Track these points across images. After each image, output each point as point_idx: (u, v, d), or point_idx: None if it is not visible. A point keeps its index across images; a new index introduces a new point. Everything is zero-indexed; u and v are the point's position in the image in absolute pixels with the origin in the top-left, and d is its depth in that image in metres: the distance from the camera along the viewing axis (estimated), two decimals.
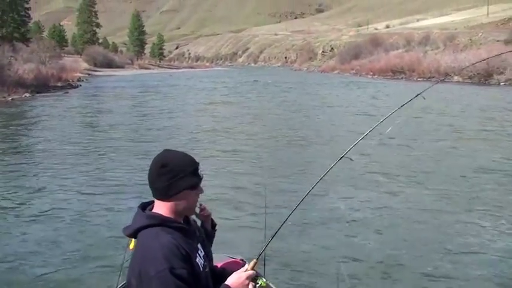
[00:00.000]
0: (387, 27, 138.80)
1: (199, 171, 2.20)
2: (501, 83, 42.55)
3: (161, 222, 2.10)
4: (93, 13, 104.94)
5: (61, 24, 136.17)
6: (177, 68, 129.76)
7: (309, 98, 32.21)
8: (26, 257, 6.39)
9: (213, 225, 2.73)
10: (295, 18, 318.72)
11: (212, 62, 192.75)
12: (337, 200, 8.64)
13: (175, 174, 2.11)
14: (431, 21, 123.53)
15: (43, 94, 35.42)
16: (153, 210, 2.17)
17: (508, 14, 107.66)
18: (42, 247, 6.74)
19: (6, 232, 7.35)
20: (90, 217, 7.97)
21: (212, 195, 8.42)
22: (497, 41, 58.42)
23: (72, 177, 10.69)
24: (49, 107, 26.38)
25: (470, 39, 63.68)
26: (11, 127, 19.19)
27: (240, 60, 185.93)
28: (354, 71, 67.32)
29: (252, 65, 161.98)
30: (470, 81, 44.85)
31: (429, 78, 49.26)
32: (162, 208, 2.15)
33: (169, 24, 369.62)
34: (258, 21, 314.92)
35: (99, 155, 13.38)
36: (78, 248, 6.69)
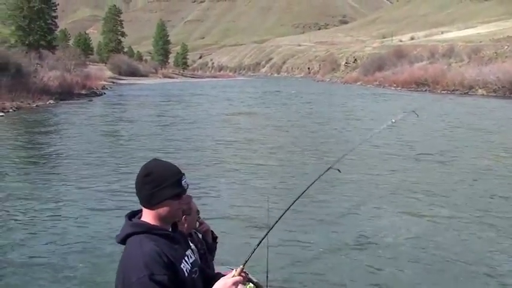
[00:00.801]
0: (412, 39, 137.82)
1: (183, 181, 2.23)
2: None
3: (146, 229, 2.17)
4: (119, 22, 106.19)
5: (87, 32, 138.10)
6: (201, 77, 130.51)
7: (331, 109, 32.12)
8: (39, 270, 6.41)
9: (214, 237, 2.83)
10: (319, 29, 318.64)
11: (235, 71, 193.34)
12: (364, 221, 8.60)
13: (158, 183, 2.16)
14: (456, 34, 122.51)
15: (67, 101, 35.85)
16: (141, 218, 2.23)
17: None
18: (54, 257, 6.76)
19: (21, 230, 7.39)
20: (106, 225, 7.99)
21: (219, 205, 8.40)
22: None
23: (91, 187, 10.74)
24: (72, 115, 26.68)
25: (496, 52, 62.87)
26: (32, 134, 19.45)
27: (263, 70, 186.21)
28: (377, 83, 66.95)
29: (275, 75, 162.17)
30: (495, 95, 44.28)
31: (453, 91, 48.81)
32: (148, 216, 2.21)
33: (194, 34, 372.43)
34: (281, 32, 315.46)
35: (118, 164, 13.38)
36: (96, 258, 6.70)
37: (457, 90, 48.82)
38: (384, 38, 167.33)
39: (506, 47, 67.25)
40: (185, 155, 14.53)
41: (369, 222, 8.44)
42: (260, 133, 19.94)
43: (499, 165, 13.32)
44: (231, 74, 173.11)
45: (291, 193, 9.88)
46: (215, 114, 27.52)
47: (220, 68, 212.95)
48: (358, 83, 74.04)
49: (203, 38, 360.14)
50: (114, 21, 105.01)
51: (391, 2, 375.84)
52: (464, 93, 46.98)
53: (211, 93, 50.55)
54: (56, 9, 56.29)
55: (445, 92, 49.35)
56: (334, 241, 7.47)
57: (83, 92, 44.21)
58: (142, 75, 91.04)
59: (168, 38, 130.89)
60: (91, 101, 38.19)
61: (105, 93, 47.41)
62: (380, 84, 64.83)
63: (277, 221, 2.37)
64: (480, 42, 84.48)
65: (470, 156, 14.61)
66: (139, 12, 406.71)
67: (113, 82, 68.04)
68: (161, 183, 2.16)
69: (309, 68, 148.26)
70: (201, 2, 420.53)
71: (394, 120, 2.86)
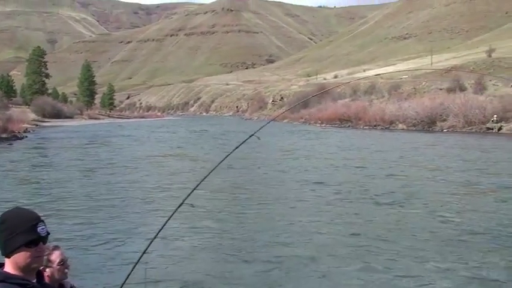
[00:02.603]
0: (335, 77, 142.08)
1: (39, 228, 2.15)
2: (444, 130, 43.87)
3: (2, 278, 2.10)
4: (43, 63, 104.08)
5: (9, 74, 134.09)
6: (128, 117, 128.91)
7: (254, 148, 32.36)
8: None
9: None
10: (246, 68, 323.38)
11: (164, 111, 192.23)
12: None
13: (12, 231, 2.10)
14: (376, 71, 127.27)
15: None
16: (4, 268, 2.16)
17: (451, 63, 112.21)
18: None
19: None
20: None
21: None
22: (440, 89, 60.55)
23: None
24: None
25: (414, 88, 65.78)
26: None
27: (192, 109, 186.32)
28: (303, 120, 68.27)
29: (204, 114, 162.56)
30: (414, 129, 46.11)
31: (375, 126, 50.45)
32: (8, 265, 2.15)
33: (121, 74, 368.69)
34: (209, 71, 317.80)
35: None
36: None
37: (378, 125, 50.49)
38: (309, 76, 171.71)
39: (424, 83, 70.52)
40: (101, 204, 14.14)
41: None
42: (178, 175, 19.74)
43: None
44: (159, 114, 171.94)
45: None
46: (138, 157, 26.69)
47: (149, 108, 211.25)
48: (285, 121, 75.20)
49: (130, 78, 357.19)
50: (38, 63, 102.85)
51: (315, 42, 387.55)
52: (386, 128, 48.65)
53: (138, 134, 49.87)
54: None
55: (368, 127, 50.91)
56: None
57: (4, 135, 42.53)
58: (67, 117, 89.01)
59: (94, 79, 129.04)
60: (11, 144, 36.77)
61: (26, 137, 45.80)
62: (306, 121, 66.16)
63: (146, 248, 2.37)
64: (400, 78, 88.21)
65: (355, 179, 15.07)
66: (65, 53, 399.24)
67: (36, 125, 66.01)
68: (14, 230, 2.10)
69: (237, 107, 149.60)
70: (128, 42, 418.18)
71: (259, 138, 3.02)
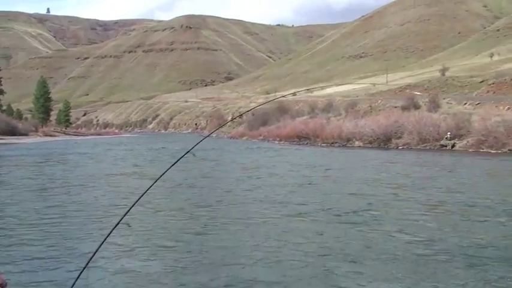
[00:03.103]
0: (294, 94, 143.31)
1: None
2: (399, 147, 44.61)
3: None
4: None
5: None
6: (84, 135, 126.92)
7: (210, 165, 32.22)
8: None
9: None
10: (205, 85, 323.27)
11: (121, 128, 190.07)
12: None
13: None
14: (334, 89, 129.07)
15: None
16: None
17: (406, 81, 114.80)
18: None
19: None
20: None
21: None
22: (395, 107, 61.65)
23: None
24: None
25: (370, 106, 66.81)
26: None
27: (150, 126, 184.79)
28: (261, 137, 68.48)
29: (162, 131, 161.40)
30: (370, 146, 46.76)
31: (332, 143, 50.98)
32: None
33: (77, 90, 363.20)
34: (168, 88, 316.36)
35: None
36: None
37: (336, 142, 51.03)
38: (268, 93, 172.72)
39: (379, 101, 71.73)
40: (46, 222, 13.74)
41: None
42: (137, 195, 19.30)
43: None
44: (116, 131, 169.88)
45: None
46: (92, 175, 25.86)
47: (106, 125, 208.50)
48: (244, 138, 75.36)
49: (87, 94, 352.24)
50: None
51: (273, 60, 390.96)
52: (343, 145, 49.20)
53: (93, 151, 49.02)
54: None
55: (325, 144, 51.38)
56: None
57: None
58: (22, 134, 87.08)
59: (50, 95, 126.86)
60: None
61: None
62: (264, 139, 66.37)
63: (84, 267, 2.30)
64: (357, 96, 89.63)
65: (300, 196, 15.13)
66: (20, 69, 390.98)
67: None
68: None
69: (196, 124, 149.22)
70: (85, 58, 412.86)
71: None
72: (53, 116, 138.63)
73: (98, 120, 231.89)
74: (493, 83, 74.82)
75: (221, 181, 23.63)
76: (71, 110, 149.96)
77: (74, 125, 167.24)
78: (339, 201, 16.43)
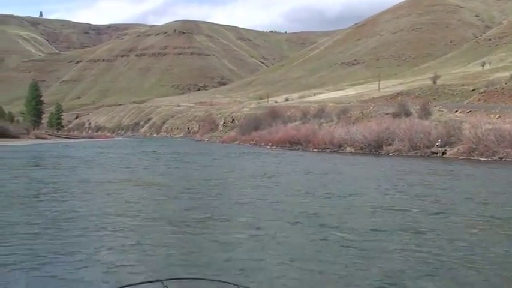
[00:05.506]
0: (286, 100, 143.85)
1: None
2: (390, 154, 44.79)
3: None
4: None
5: None
6: (76, 137, 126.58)
7: (202, 170, 32.28)
8: None
9: None
10: (198, 90, 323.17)
11: (113, 132, 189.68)
12: None
13: None
14: (326, 95, 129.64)
15: None
16: None
17: (397, 89, 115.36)
18: None
19: None
20: None
21: None
22: (387, 114, 61.91)
23: None
24: None
25: (362, 113, 67.07)
26: None
27: (143, 130, 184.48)
28: (253, 142, 68.57)
29: (155, 135, 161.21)
30: (361, 152, 46.93)
31: (324, 149, 51.11)
32: None
33: (70, 94, 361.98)
34: (161, 92, 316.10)
35: None
36: None
37: (327, 148, 51.17)
38: (261, 99, 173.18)
39: (371, 107, 72.06)
40: (30, 228, 13.74)
41: None
42: (128, 202, 19.32)
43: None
44: (108, 134, 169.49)
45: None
46: (83, 180, 25.03)
47: (98, 129, 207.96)
48: (236, 142, 75.44)
49: (79, 98, 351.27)
50: None
51: (266, 66, 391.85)
52: (334, 151, 49.34)
53: (84, 155, 48.91)
54: None
55: (316, 150, 51.53)
56: None
57: None
58: (13, 137, 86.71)
59: (42, 98, 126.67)
60: None
61: None
62: (256, 144, 66.46)
63: None
64: (349, 103, 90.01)
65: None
66: (12, 72, 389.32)
67: None
68: None
69: (188, 128, 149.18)
70: (78, 62, 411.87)
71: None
72: (45, 119, 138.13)
73: (90, 124, 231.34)
74: (484, 92, 75.25)
75: (220, 187, 23.68)
76: (63, 113, 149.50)
77: (65, 128, 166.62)
78: (340, 209, 16.50)
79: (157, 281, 3.18)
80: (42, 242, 11.23)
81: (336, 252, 10.29)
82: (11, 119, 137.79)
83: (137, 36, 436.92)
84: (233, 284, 3.71)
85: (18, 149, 59.38)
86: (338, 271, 8.98)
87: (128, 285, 2.79)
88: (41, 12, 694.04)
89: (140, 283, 3.10)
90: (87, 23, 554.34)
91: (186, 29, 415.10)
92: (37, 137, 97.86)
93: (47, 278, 8.51)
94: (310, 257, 9.94)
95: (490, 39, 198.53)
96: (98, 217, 14.46)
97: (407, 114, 55.50)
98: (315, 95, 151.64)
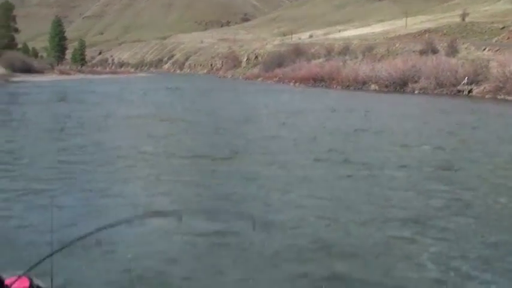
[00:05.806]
0: (310, 37, 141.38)
1: None
2: (415, 91, 44.23)
3: None
4: (12, 17, 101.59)
5: None
6: (100, 73, 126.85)
7: (226, 106, 32.31)
8: None
9: None
10: (221, 26, 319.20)
11: (137, 68, 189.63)
12: None
13: None
14: (352, 32, 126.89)
15: None
16: None
17: (425, 26, 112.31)
18: None
19: None
20: None
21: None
22: (413, 51, 60.73)
23: None
24: None
25: (388, 50, 65.92)
26: None
27: (166, 67, 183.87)
28: (277, 79, 68.14)
29: (178, 71, 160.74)
30: (386, 90, 46.40)
31: (348, 86, 50.64)
32: None
33: (92, 29, 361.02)
34: (183, 28, 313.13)
35: None
36: None
37: (351, 85, 50.68)
38: (284, 35, 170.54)
39: (397, 44, 70.70)
40: (54, 163, 13.96)
41: None
42: (154, 138, 19.43)
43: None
44: (132, 70, 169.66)
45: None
46: (108, 115, 24.90)
47: (121, 65, 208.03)
48: (259, 79, 75.05)
49: (102, 33, 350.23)
50: (6, 17, 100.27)
51: (290, 1, 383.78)
52: (358, 89, 48.88)
53: (108, 90, 49.14)
54: None
55: (340, 87, 51.09)
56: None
57: None
58: (37, 72, 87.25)
59: (65, 34, 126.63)
60: None
61: None
62: (279, 80, 66.05)
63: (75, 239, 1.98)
64: (375, 40, 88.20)
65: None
66: (35, 8, 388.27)
67: (6, 80, 64.54)
68: None
69: (211, 65, 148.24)
70: None
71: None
72: (68, 55, 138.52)
73: (113, 60, 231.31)
74: None
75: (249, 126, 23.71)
76: (86, 49, 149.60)
77: (89, 64, 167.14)
78: (386, 151, 16.47)
79: (174, 211, 3.08)
80: (66, 171, 11.49)
81: (363, 189, 10.31)
82: (35, 54, 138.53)
83: None
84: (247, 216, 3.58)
85: (44, 84, 59.86)
86: (366, 206, 9.04)
87: (145, 213, 2.76)
88: None
89: (158, 211, 3.02)
90: None
91: None
92: (61, 73, 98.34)
93: (69, 206, 8.68)
94: (335, 195, 9.99)
95: None
96: (122, 150, 14.71)
97: (434, 51, 54.42)
98: (340, 31, 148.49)
